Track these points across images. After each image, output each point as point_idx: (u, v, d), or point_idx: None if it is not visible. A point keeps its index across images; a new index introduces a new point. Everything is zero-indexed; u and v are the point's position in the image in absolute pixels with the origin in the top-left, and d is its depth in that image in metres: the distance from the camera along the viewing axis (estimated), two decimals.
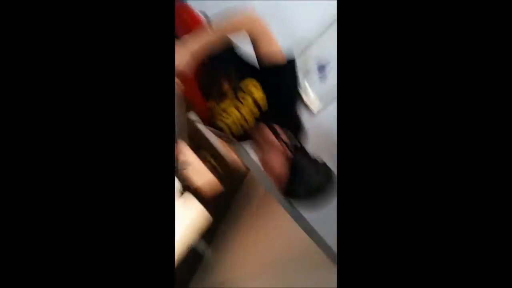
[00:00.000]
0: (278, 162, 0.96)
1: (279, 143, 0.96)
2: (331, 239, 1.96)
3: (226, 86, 0.99)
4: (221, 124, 1.06)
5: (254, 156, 1.81)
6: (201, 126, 1.16)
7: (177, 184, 0.89)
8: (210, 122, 1.09)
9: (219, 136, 1.13)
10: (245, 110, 1.01)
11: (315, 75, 1.68)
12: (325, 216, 1.52)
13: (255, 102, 0.99)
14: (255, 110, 0.99)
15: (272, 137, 0.97)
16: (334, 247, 1.97)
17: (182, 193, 0.89)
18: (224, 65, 1.00)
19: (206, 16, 1.08)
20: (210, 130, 1.11)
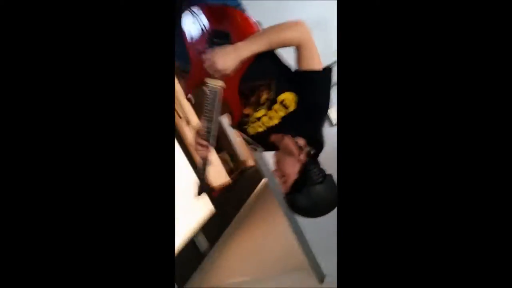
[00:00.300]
0: (290, 167, 0.97)
1: (296, 149, 0.97)
2: (330, 253, 1.99)
3: (264, 97, 1.01)
4: (252, 131, 1.08)
5: (272, 165, 1.81)
6: (232, 130, 1.17)
7: (196, 184, 0.91)
8: (241, 127, 1.11)
9: (248, 143, 1.15)
10: (277, 121, 1.03)
11: None
12: (324, 229, 1.50)
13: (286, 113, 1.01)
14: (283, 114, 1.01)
15: (291, 142, 0.98)
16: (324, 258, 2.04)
17: (200, 193, 0.91)
18: (267, 76, 1.02)
19: (261, 26, 1.10)
20: (241, 135, 1.13)
